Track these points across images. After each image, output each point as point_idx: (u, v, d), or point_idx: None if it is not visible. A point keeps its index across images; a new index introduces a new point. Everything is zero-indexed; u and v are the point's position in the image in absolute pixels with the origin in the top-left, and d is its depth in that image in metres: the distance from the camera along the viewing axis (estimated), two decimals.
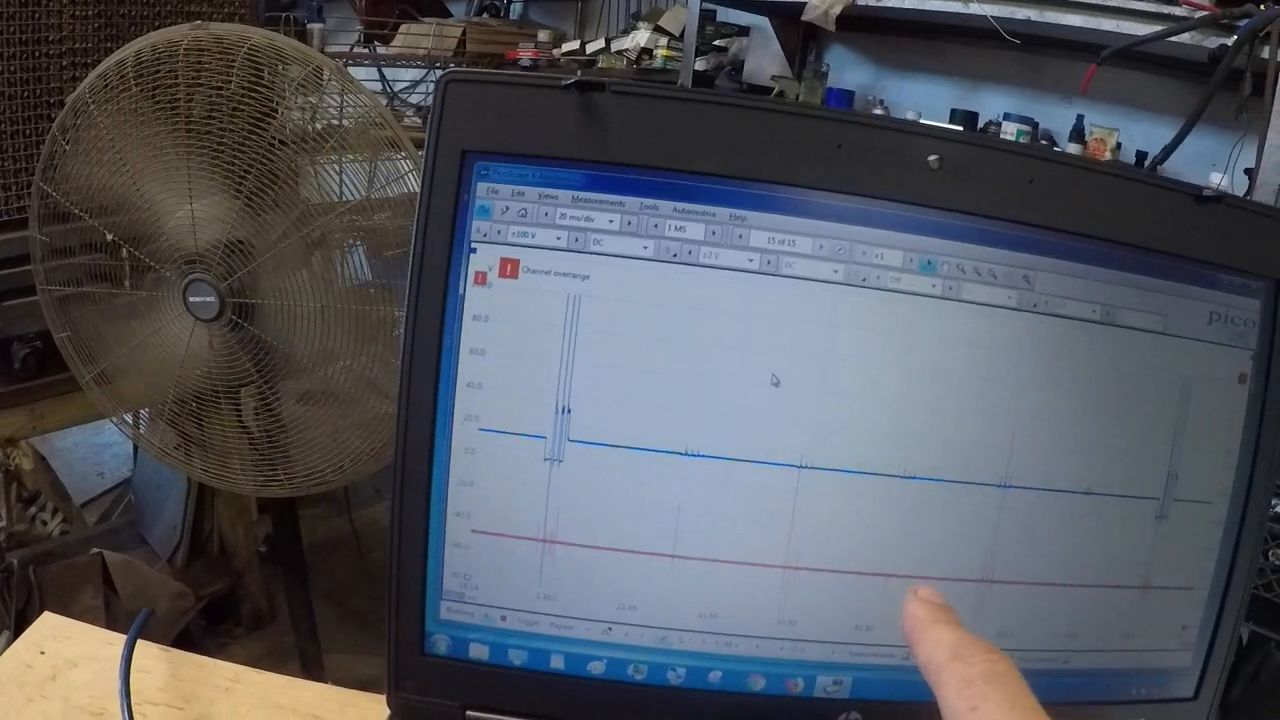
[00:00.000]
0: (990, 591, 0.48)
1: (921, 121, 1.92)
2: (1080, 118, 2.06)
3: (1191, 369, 0.49)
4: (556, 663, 0.47)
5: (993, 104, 2.25)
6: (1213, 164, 1.85)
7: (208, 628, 1.83)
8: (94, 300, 1.23)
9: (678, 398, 0.45)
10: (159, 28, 1.19)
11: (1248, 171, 1.65)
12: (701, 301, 0.45)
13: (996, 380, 0.47)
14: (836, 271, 0.45)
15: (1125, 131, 2.02)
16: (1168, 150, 1.64)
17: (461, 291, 0.45)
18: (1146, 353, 0.48)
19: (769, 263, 0.45)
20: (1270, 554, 1.60)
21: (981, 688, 0.29)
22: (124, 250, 1.20)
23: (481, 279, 0.45)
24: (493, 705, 0.48)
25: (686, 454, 0.45)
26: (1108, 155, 1.97)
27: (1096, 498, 0.48)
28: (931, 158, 0.46)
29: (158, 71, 1.12)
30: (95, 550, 1.51)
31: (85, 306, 1.24)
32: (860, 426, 0.46)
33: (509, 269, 0.45)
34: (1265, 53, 1.50)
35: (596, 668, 0.47)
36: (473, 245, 0.45)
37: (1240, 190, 1.76)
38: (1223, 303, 0.50)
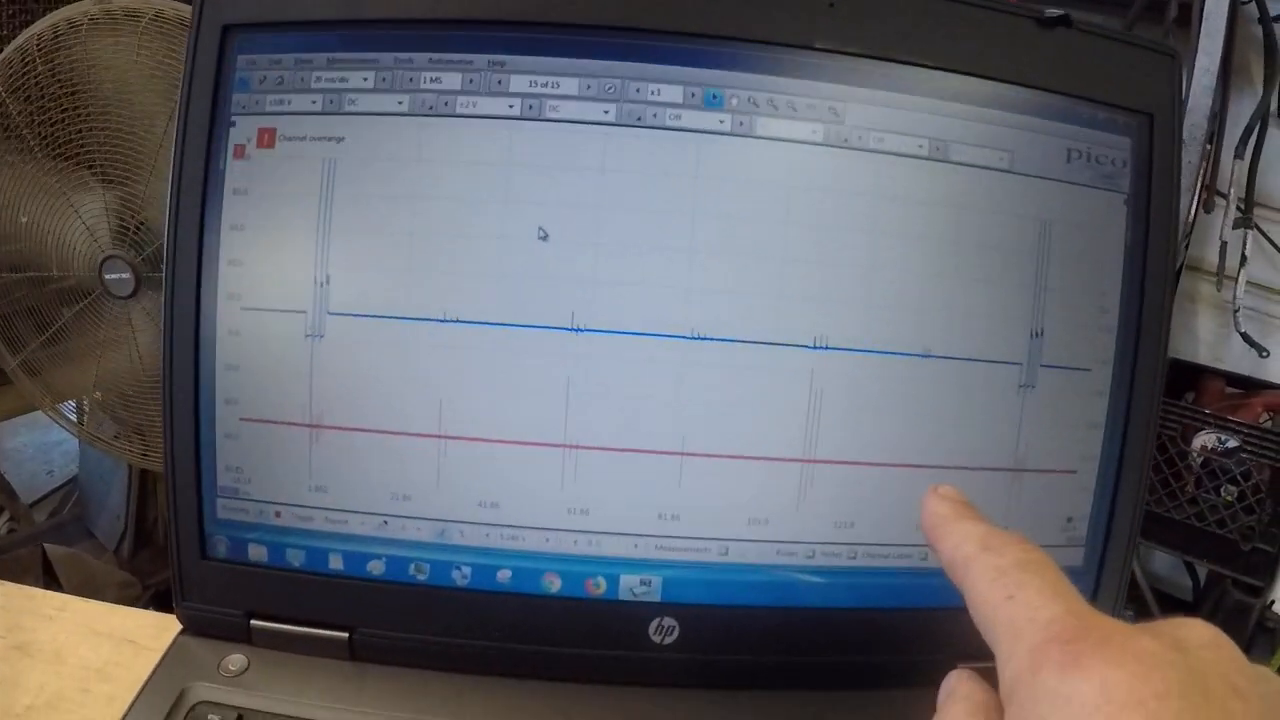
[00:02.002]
0: (816, 473, 0.42)
1: None
2: None
3: (1049, 212, 0.43)
4: (335, 563, 0.43)
5: None
6: None
7: None
8: (18, 286, 1.24)
9: (437, 260, 0.41)
10: None
11: None
12: (460, 155, 0.41)
13: (802, 224, 0.41)
14: (607, 112, 0.41)
15: None
16: None
17: (222, 167, 0.43)
18: (990, 193, 0.42)
19: (531, 108, 0.41)
20: (1222, 490, 1.45)
21: (1017, 575, 0.26)
22: (45, 233, 1.20)
23: (240, 152, 0.43)
24: (276, 613, 0.44)
25: (446, 320, 0.41)
26: None
27: (937, 361, 0.42)
28: None
29: (70, 50, 1.10)
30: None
31: (9, 292, 1.24)
32: (640, 281, 0.41)
33: (265, 139, 0.43)
34: None
35: (376, 567, 0.43)
36: (233, 119, 0.43)
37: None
38: (1083, 139, 0.43)
